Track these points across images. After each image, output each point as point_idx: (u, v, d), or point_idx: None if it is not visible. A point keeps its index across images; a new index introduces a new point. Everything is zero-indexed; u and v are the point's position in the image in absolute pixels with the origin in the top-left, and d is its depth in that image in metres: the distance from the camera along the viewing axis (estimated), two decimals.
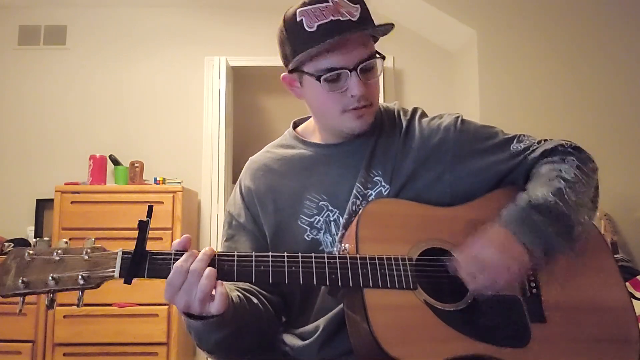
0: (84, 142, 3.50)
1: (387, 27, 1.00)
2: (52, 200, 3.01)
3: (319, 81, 0.98)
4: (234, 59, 3.64)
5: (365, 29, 0.98)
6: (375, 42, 1.04)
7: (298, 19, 0.98)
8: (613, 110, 3.05)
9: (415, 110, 1.15)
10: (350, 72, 0.97)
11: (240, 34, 3.68)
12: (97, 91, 3.62)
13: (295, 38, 0.99)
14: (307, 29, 0.97)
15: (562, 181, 0.97)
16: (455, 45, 3.56)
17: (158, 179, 3.26)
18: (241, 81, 3.98)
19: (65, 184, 3.10)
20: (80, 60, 3.64)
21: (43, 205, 3.36)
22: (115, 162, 3.27)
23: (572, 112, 3.04)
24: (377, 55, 1.01)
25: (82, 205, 2.94)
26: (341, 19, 0.95)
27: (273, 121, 4.78)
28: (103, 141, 3.48)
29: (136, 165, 3.19)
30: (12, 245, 3.04)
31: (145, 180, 3.24)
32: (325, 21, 0.95)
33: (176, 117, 3.61)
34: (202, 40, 3.68)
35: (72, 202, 2.94)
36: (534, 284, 0.95)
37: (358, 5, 0.98)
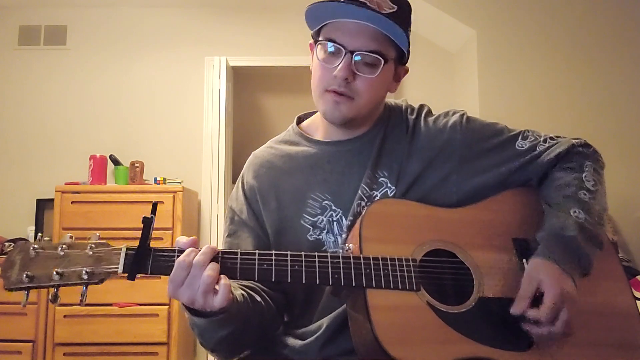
0: (85, 142, 3.50)
1: (399, 35, 0.96)
2: (52, 200, 3.01)
3: (321, 46, 0.99)
4: (234, 59, 3.64)
5: (377, 22, 0.95)
6: (397, 52, 1.01)
7: None
8: (613, 110, 3.05)
9: (421, 107, 1.14)
10: (345, 53, 0.97)
11: (240, 34, 3.68)
12: (98, 91, 3.62)
13: (318, 5, 0.97)
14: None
15: (586, 194, 0.99)
16: (455, 45, 3.56)
17: (158, 179, 3.26)
18: (241, 81, 3.99)
19: (66, 184, 3.10)
20: (80, 60, 3.64)
21: (43, 205, 3.36)
22: (116, 162, 3.27)
23: (572, 112, 3.04)
24: (380, 55, 0.97)
25: (83, 205, 2.94)
26: (368, 3, 0.95)
27: (273, 121, 4.79)
28: (103, 141, 3.48)
29: (136, 165, 3.19)
30: (13, 245, 3.04)
31: (145, 180, 3.24)
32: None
33: (176, 117, 3.61)
34: (202, 40, 3.68)
35: (72, 202, 2.94)
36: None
37: (395, 6, 0.97)
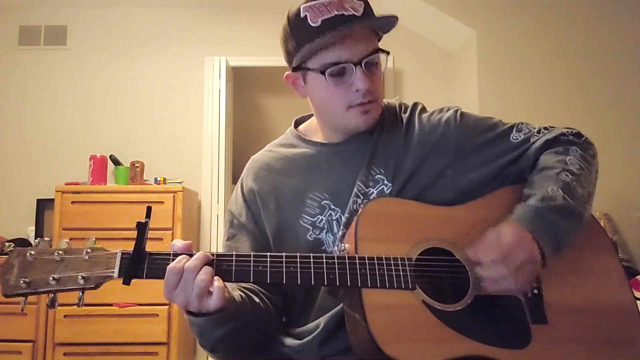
0: (85, 142, 3.50)
1: (391, 20, 1.01)
2: (52, 200, 3.01)
3: (324, 76, 0.98)
4: (234, 59, 3.64)
5: (369, 22, 0.98)
6: (378, 40, 1.04)
7: (302, 15, 0.98)
8: (613, 110, 3.05)
9: (415, 105, 1.15)
10: (355, 66, 0.97)
11: (240, 34, 3.68)
12: (98, 91, 3.62)
13: (300, 33, 0.99)
14: (311, 24, 0.97)
15: (569, 175, 0.97)
16: (454, 45, 3.56)
17: (158, 179, 3.26)
18: (241, 81, 3.99)
19: (66, 184, 3.10)
20: (80, 60, 3.65)
21: (44, 205, 3.36)
22: (116, 162, 3.28)
23: (572, 112, 3.04)
24: (381, 51, 1.01)
25: (83, 205, 2.94)
26: (345, 13, 0.96)
27: (273, 121, 4.79)
28: (103, 141, 3.49)
29: (136, 165, 3.19)
30: (13, 245, 3.04)
31: (145, 180, 3.25)
32: (329, 16, 0.96)
33: (176, 117, 3.61)
34: (202, 40, 3.69)
35: (72, 202, 2.94)
36: (536, 285, 0.94)
37: (361, 2, 0.99)
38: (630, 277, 2.42)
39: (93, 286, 0.83)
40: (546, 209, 0.93)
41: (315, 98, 1.06)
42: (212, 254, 0.86)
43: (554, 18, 3.17)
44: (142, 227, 0.84)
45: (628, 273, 2.45)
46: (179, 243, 0.87)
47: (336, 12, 0.96)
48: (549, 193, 0.95)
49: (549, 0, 3.19)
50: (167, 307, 2.85)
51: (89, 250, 0.84)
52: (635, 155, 2.99)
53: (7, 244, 3.08)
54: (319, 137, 1.13)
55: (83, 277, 0.82)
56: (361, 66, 0.97)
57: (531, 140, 1.06)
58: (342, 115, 1.02)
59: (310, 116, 1.19)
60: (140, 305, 2.83)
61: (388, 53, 1.03)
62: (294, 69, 1.05)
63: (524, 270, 0.88)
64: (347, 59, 0.97)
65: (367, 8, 1.00)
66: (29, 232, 3.31)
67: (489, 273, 0.89)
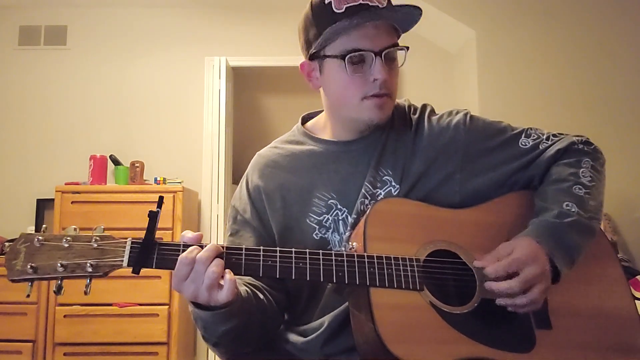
0: (85, 142, 3.50)
1: (414, 15, 1.00)
2: (52, 200, 3.01)
3: (344, 61, 0.98)
4: (234, 59, 3.64)
5: (393, 14, 0.98)
6: (398, 38, 1.04)
7: (327, 1, 0.98)
8: (613, 110, 3.06)
9: (424, 107, 1.15)
10: (375, 55, 0.97)
11: (240, 34, 3.68)
12: (98, 91, 3.62)
13: (323, 19, 0.98)
14: (335, 10, 0.97)
15: (582, 188, 0.98)
16: (454, 45, 3.56)
17: (158, 179, 3.26)
18: (241, 81, 3.99)
19: (66, 184, 3.10)
20: (80, 60, 3.64)
21: (43, 205, 3.36)
22: (116, 162, 3.28)
23: (572, 112, 3.04)
24: (400, 46, 1.01)
25: (83, 205, 2.94)
26: (370, 4, 0.96)
27: (273, 121, 4.79)
28: (103, 141, 3.48)
29: (136, 165, 3.19)
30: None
31: (145, 180, 3.24)
32: (354, 4, 0.96)
33: (176, 117, 3.61)
34: (202, 40, 3.68)
35: (72, 202, 2.94)
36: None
37: None
38: (630, 277, 2.42)
39: (101, 274, 0.81)
40: (562, 226, 0.93)
41: (330, 88, 1.05)
42: (222, 247, 0.86)
43: (554, 18, 3.17)
44: (153, 216, 0.83)
45: (628, 273, 2.46)
46: (189, 234, 0.86)
47: (361, 1, 0.96)
48: (564, 208, 0.95)
49: (549, 0, 3.19)
50: (167, 307, 2.85)
51: (97, 238, 0.83)
52: (635, 156, 2.99)
53: (7, 244, 3.08)
54: (327, 135, 1.12)
55: (91, 265, 0.81)
56: (381, 57, 0.97)
57: (540, 147, 1.06)
58: (356, 106, 1.02)
59: (317, 113, 1.18)
60: (140, 305, 2.83)
61: (408, 48, 1.03)
62: (312, 58, 1.04)
63: (536, 286, 0.88)
64: (369, 47, 0.97)
65: (390, 3, 1.00)
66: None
67: (498, 287, 0.88)
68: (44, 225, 0.84)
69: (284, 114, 4.59)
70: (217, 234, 3.44)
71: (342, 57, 0.98)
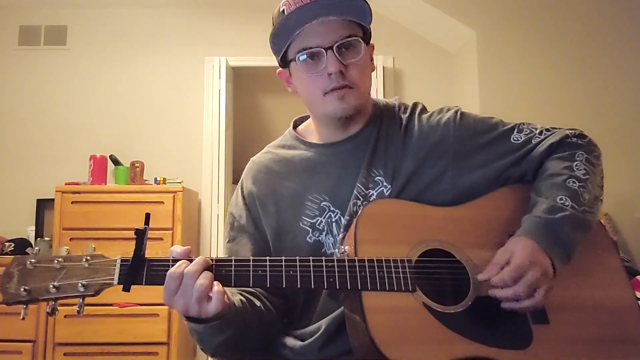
0: (85, 142, 3.50)
1: (364, 8, 0.99)
2: (52, 200, 3.01)
3: (297, 63, 1.00)
4: (234, 59, 3.64)
5: (340, 12, 0.98)
6: (365, 31, 1.03)
7: (281, 9, 1.01)
8: (613, 109, 3.05)
9: (415, 105, 1.14)
10: (327, 50, 0.98)
11: (240, 34, 3.68)
12: (98, 91, 3.62)
13: (280, 25, 1.00)
14: (285, 14, 0.99)
15: (576, 182, 0.97)
16: (454, 45, 3.56)
17: (158, 179, 3.26)
18: (241, 81, 3.99)
19: (66, 184, 3.10)
20: (80, 60, 3.65)
21: (44, 205, 3.36)
22: (116, 162, 3.28)
23: (572, 112, 3.04)
24: (356, 36, 1.00)
25: (83, 205, 2.94)
26: (311, 1, 0.97)
27: (273, 121, 4.79)
28: (103, 141, 3.49)
29: (136, 165, 3.19)
30: (13, 245, 3.04)
31: (145, 180, 3.25)
32: (302, 4, 0.97)
33: (176, 117, 3.61)
34: (202, 40, 3.68)
35: (72, 202, 2.94)
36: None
37: None
38: (630, 277, 2.42)
39: (93, 293, 0.83)
40: (556, 221, 0.92)
41: (299, 90, 1.07)
42: (212, 259, 0.86)
43: (554, 18, 3.16)
44: (140, 234, 0.84)
45: (628, 273, 2.45)
46: (178, 249, 0.87)
47: (309, 0, 0.97)
48: (558, 203, 0.94)
49: (549, 0, 3.19)
50: (167, 307, 2.84)
51: (88, 257, 0.85)
52: (635, 156, 2.99)
53: (7, 244, 3.08)
54: (316, 138, 1.12)
55: (83, 285, 0.83)
56: (332, 50, 0.98)
57: (533, 142, 1.05)
58: (321, 103, 1.03)
59: (308, 117, 1.19)
60: (140, 305, 2.83)
61: (364, 40, 1.02)
62: (283, 64, 1.07)
63: (539, 287, 0.88)
64: (317, 44, 0.98)
65: None
66: (29, 232, 3.31)
67: (505, 294, 0.88)
68: (37, 239, 0.84)
69: (284, 114, 4.58)
70: (217, 234, 3.44)
71: (296, 59, 1.00)
